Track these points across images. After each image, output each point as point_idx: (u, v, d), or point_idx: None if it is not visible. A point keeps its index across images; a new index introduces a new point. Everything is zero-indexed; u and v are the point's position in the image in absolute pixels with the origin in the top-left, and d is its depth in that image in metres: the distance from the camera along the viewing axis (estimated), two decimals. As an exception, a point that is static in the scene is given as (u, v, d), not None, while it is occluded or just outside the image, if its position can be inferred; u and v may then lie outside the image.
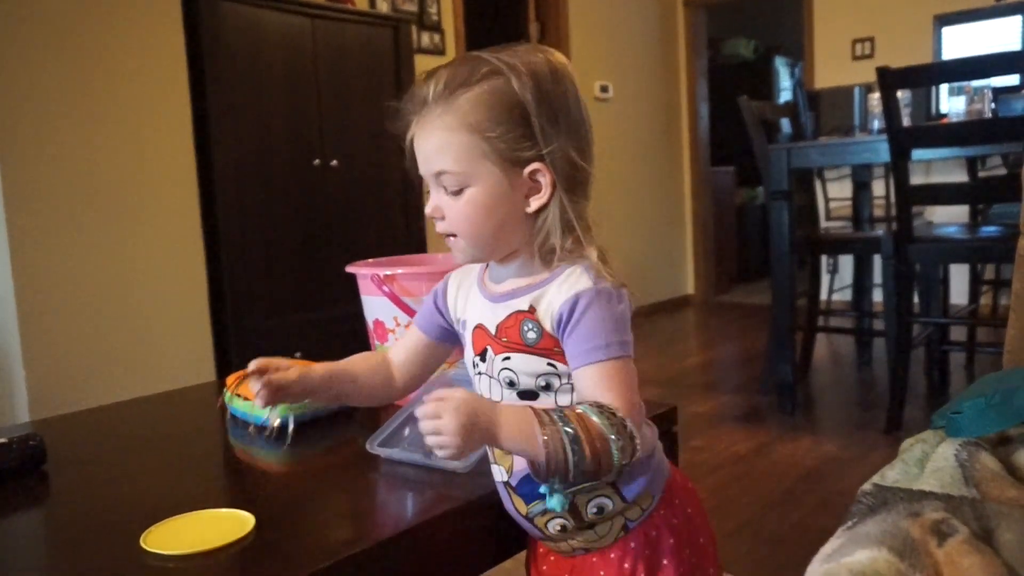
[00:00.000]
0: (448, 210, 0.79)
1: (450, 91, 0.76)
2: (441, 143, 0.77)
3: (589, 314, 0.75)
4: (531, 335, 0.78)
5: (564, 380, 0.79)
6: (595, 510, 0.81)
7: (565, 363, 0.78)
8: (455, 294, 0.90)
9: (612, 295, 0.76)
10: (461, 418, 0.68)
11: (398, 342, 0.96)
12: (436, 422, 0.69)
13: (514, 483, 0.83)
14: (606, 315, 0.75)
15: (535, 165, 0.77)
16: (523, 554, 0.95)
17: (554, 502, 0.80)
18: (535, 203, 0.78)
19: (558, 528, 0.83)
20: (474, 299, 0.86)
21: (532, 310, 0.79)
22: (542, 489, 0.80)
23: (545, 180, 0.77)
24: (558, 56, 0.80)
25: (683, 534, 0.84)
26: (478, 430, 0.70)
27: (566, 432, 0.70)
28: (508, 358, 0.80)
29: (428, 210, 0.81)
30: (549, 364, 0.79)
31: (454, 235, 0.80)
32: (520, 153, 0.76)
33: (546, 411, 0.72)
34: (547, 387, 0.79)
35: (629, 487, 0.82)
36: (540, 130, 0.76)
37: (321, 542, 0.78)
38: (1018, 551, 0.72)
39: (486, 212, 0.78)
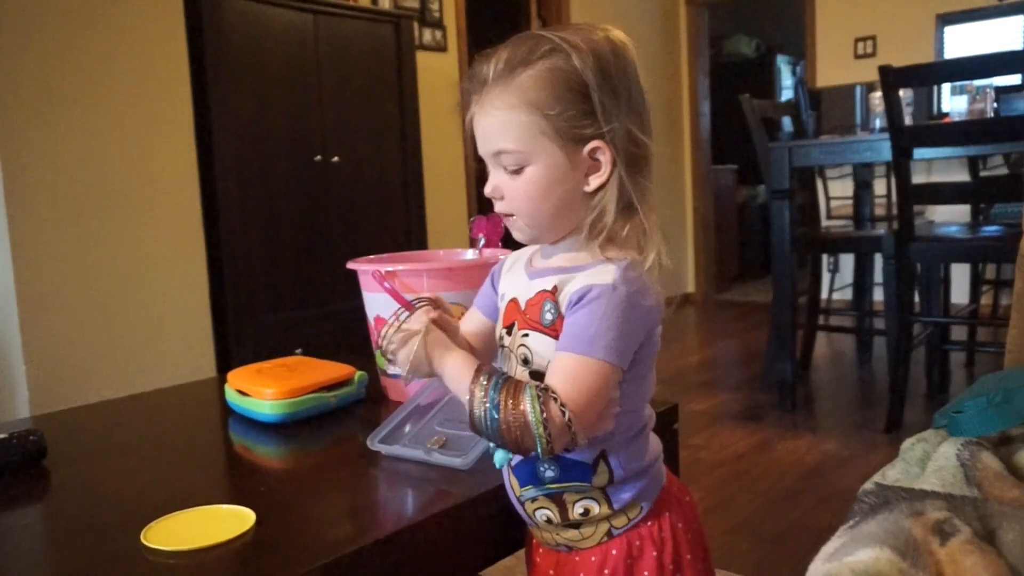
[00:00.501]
0: (507, 189, 0.79)
1: (510, 69, 0.76)
2: (501, 122, 0.76)
3: (593, 306, 0.74)
4: (548, 316, 0.78)
5: None
6: (581, 511, 0.82)
7: None
8: (508, 271, 0.89)
9: (630, 300, 0.74)
10: (410, 357, 0.79)
11: (463, 318, 0.95)
12: (394, 348, 0.79)
13: (514, 463, 0.84)
14: (609, 314, 0.73)
15: (595, 143, 0.76)
16: (523, 551, 0.95)
17: (498, 457, 0.83)
18: (595, 181, 0.77)
19: (544, 519, 0.84)
20: (518, 274, 0.86)
21: (555, 291, 0.78)
22: (490, 447, 0.84)
23: (605, 158, 0.76)
24: (618, 33, 0.79)
25: (668, 549, 0.83)
26: (424, 370, 0.79)
27: (492, 400, 0.73)
28: (527, 335, 0.80)
29: (487, 190, 0.81)
30: None
31: (512, 215, 0.80)
32: (580, 131, 0.75)
33: (488, 375, 0.74)
34: None
35: (618, 494, 0.81)
36: (601, 107, 0.75)
37: (321, 538, 0.78)
38: (1020, 551, 0.72)
39: (545, 191, 0.77)
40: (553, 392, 0.72)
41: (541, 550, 0.89)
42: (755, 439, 2.71)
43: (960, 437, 1.00)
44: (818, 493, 2.24)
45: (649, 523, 0.83)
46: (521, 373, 0.81)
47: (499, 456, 0.83)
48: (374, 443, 0.99)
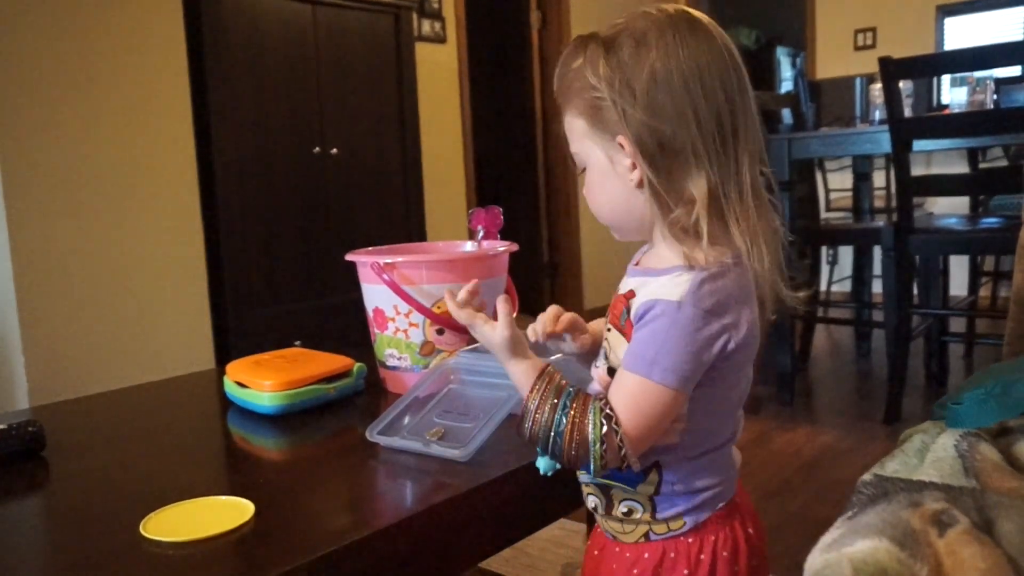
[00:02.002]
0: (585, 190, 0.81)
1: (563, 74, 0.77)
2: (565, 128, 0.79)
3: (655, 325, 0.71)
4: (623, 319, 0.77)
5: None
6: (624, 510, 0.81)
7: None
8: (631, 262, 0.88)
9: (698, 320, 0.70)
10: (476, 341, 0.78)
11: None
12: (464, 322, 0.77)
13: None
14: (672, 336, 0.70)
15: (619, 137, 0.73)
16: (521, 543, 0.95)
17: (542, 463, 0.82)
18: (634, 176, 0.74)
19: (592, 505, 0.85)
20: (628, 268, 0.85)
21: (630, 295, 0.77)
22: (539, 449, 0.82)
23: (629, 151, 0.73)
24: (672, 14, 0.73)
25: (703, 571, 0.79)
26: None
27: (558, 422, 0.72)
28: (610, 331, 0.80)
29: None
30: None
31: None
32: (608, 125, 0.73)
33: (558, 388, 0.73)
34: None
35: (664, 506, 0.80)
36: (612, 102, 0.72)
37: (320, 529, 0.78)
38: (1018, 541, 0.72)
39: (599, 189, 0.78)
40: (616, 423, 0.71)
41: (598, 529, 0.89)
42: (754, 431, 2.72)
43: (958, 428, 1.01)
44: (817, 485, 2.25)
45: (690, 539, 0.80)
46: (602, 365, 0.81)
47: (544, 463, 0.82)
48: (373, 434, 0.99)
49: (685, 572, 0.79)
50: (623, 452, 0.71)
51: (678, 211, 0.73)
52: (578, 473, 0.84)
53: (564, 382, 0.75)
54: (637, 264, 0.82)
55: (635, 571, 0.81)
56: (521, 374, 0.76)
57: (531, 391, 0.74)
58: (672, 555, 0.80)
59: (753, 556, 0.82)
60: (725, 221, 0.73)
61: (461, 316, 0.79)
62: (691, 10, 0.75)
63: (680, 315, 0.70)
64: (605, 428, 0.71)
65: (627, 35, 0.73)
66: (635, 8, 0.76)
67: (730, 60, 0.73)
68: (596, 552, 0.88)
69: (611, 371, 0.79)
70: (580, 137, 0.76)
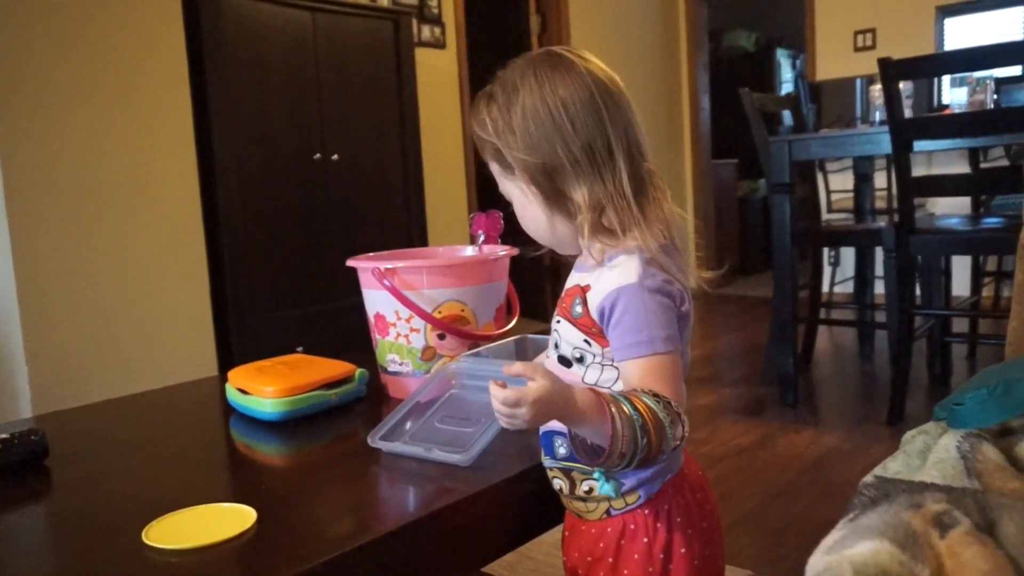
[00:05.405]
0: None
1: (472, 127, 0.90)
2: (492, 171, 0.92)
3: (633, 310, 0.79)
4: (577, 309, 0.85)
5: (595, 358, 0.85)
6: (586, 488, 0.88)
7: (599, 343, 0.84)
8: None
9: (659, 290, 0.80)
10: (537, 412, 0.72)
11: None
12: (514, 410, 0.73)
13: (540, 433, 0.91)
14: (648, 310, 0.79)
15: (516, 170, 0.85)
16: (525, 547, 0.96)
17: (608, 488, 0.86)
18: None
19: (558, 488, 0.91)
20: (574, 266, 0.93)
21: (586, 288, 0.85)
22: (595, 475, 0.86)
23: (523, 180, 0.85)
24: (535, 57, 0.85)
25: (660, 539, 0.86)
26: (548, 418, 0.74)
27: (635, 420, 0.74)
28: (559, 322, 0.88)
29: None
30: (585, 340, 0.85)
31: None
32: (507, 163, 0.86)
33: (615, 397, 0.75)
34: (580, 359, 0.86)
35: (619, 479, 0.86)
36: (501, 145, 0.84)
37: (322, 536, 0.78)
38: (1020, 543, 0.72)
39: (526, 217, 0.89)
40: (666, 399, 0.76)
41: (569, 512, 0.95)
42: (757, 433, 2.72)
43: (960, 429, 1.00)
44: (820, 486, 2.24)
45: (646, 511, 0.86)
46: (552, 355, 0.90)
47: (611, 487, 0.86)
48: (375, 440, 0.99)
49: (644, 540, 0.86)
50: (683, 419, 0.77)
51: (580, 218, 0.83)
52: (544, 459, 0.91)
53: (607, 393, 0.77)
54: (579, 261, 0.91)
55: (600, 545, 0.88)
56: (586, 409, 0.74)
57: (612, 420, 0.73)
58: (632, 527, 0.87)
59: (704, 519, 0.89)
60: (625, 217, 0.82)
61: (510, 398, 0.73)
62: (558, 49, 0.86)
63: (644, 291, 0.80)
64: (664, 407, 0.75)
65: (501, 84, 0.85)
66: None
67: (595, 87, 0.82)
68: (567, 533, 0.95)
69: (561, 359, 0.87)
70: (498, 177, 0.88)
